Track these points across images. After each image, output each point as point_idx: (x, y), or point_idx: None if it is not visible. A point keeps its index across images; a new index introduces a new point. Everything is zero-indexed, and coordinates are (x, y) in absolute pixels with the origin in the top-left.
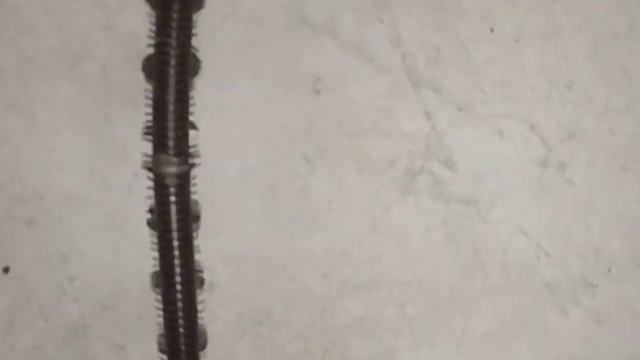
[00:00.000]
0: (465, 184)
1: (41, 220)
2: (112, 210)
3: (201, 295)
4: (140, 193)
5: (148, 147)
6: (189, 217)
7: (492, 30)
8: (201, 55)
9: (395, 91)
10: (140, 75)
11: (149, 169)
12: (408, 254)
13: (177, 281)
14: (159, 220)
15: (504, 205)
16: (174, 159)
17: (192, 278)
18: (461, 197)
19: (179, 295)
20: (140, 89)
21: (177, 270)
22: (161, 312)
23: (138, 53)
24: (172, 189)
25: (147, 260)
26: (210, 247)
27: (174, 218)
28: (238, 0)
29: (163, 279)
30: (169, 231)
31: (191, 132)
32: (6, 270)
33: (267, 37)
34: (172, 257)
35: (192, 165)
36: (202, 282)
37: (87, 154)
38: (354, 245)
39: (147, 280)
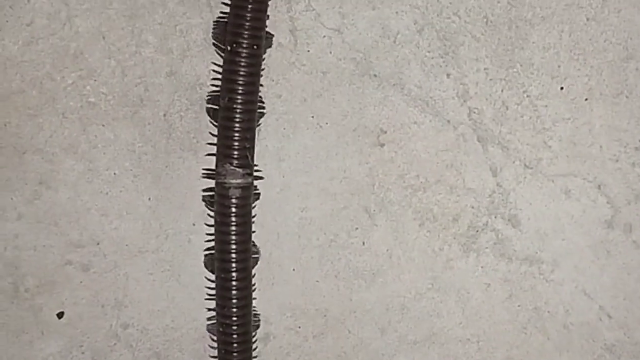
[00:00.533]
0: (528, 242)
1: (97, 266)
2: (168, 259)
3: (256, 344)
4: (198, 242)
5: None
6: (249, 231)
7: (561, 88)
8: (266, 105)
9: (460, 146)
10: (202, 122)
11: (213, 178)
12: (467, 311)
13: (234, 303)
14: (218, 231)
15: (567, 265)
16: (239, 171)
17: (249, 292)
18: (524, 255)
19: (234, 310)
20: (202, 136)
21: (234, 283)
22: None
23: (200, 100)
24: (234, 201)
25: (202, 309)
26: (267, 298)
27: (234, 230)
28: (304, 50)
29: (219, 292)
30: (228, 243)
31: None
32: (60, 315)
33: (332, 87)
34: (230, 270)
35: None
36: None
37: (146, 201)
38: (413, 300)
39: (201, 328)
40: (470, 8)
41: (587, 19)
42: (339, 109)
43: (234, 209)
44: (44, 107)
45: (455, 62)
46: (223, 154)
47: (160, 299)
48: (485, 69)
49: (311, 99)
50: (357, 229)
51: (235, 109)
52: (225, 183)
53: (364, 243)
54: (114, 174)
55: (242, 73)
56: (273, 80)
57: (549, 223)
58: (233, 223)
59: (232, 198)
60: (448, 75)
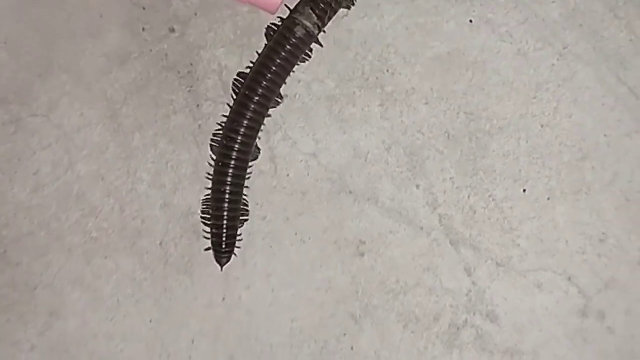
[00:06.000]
0: (507, 335)
1: None
2: None
3: None
4: (198, 359)
5: (205, 313)
6: (290, 69)
7: (524, 190)
8: (252, 226)
9: (434, 250)
10: (195, 248)
11: (290, 13)
12: None
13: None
14: (264, 56)
15: (546, 355)
16: (314, 17)
17: (265, 111)
18: (504, 348)
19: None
20: (196, 260)
21: (254, 100)
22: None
23: (193, 227)
24: (294, 38)
25: None
26: None
27: (279, 60)
28: (284, 175)
29: (244, 92)
30: (269, 68)
31: None
32: None
33: (312, 206)
34: (256, 90)
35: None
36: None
37: (148, 323)
38: None
39: None
40: (432, 125)
41: (542, 126)
42: (320, 224)
43: (291, 44)
44: (52, 245)
45: (422, 174)
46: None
47: None
48: (451, 178)
49: (293, 218)
50: (345, 334)
51: None
52: (297, 19)
53: (352, 348)
54: (117, 300)
55: None
56: (257, 204)
57: (525, 316)
58: (283, 54)
59: (295, 33)
60: (417, 186)
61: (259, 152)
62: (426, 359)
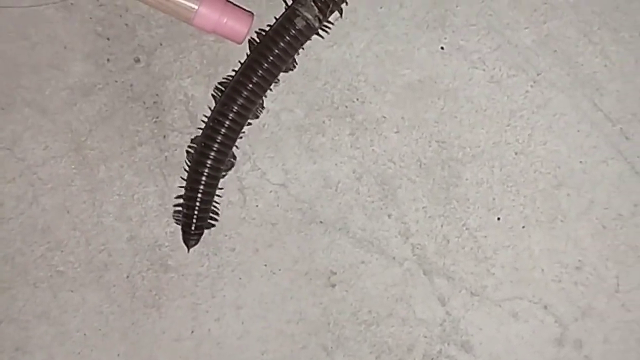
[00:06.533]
0: None
1: None
2: None
3: None
4: None
5: (174, 347)
6: (288, 60)
7: (498, 219)
8: (221, 258)
9: (407, 280)
10: (162, 280)
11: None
12: None
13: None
14: (262, 45)
15: None
16: (315, 10)
17: (265, 90)
18: None
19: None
20: (163, 293)
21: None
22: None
23: (160, 259)
24: (293, 29)
25: None
26: None
27: (276, 49)
28: (253, 206)
29: (253, 56)
30: (266, 56)
31: None
32: None
33: (282, 237)
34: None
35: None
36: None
37: (115, 357)
38: None
39: None
40: (403, 154)
41: (516, 153)
42: (290, 255)
43: (289, 35)
44: (16, 279)
45: (394, 204)
46: None
47: None
48: (423, 207)
49: (263, 249)
50: None
51: None
52: (298, 10)
53: None
54: (85, 334)
55: None
56: (226, 236)
57: (501, 345)
58: (282, 45)
59: (295, 25)
60: (389, 216)
61: (260, 114)
62: None
